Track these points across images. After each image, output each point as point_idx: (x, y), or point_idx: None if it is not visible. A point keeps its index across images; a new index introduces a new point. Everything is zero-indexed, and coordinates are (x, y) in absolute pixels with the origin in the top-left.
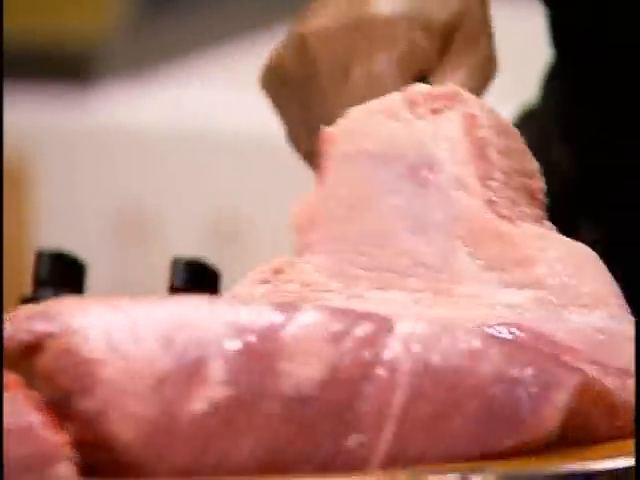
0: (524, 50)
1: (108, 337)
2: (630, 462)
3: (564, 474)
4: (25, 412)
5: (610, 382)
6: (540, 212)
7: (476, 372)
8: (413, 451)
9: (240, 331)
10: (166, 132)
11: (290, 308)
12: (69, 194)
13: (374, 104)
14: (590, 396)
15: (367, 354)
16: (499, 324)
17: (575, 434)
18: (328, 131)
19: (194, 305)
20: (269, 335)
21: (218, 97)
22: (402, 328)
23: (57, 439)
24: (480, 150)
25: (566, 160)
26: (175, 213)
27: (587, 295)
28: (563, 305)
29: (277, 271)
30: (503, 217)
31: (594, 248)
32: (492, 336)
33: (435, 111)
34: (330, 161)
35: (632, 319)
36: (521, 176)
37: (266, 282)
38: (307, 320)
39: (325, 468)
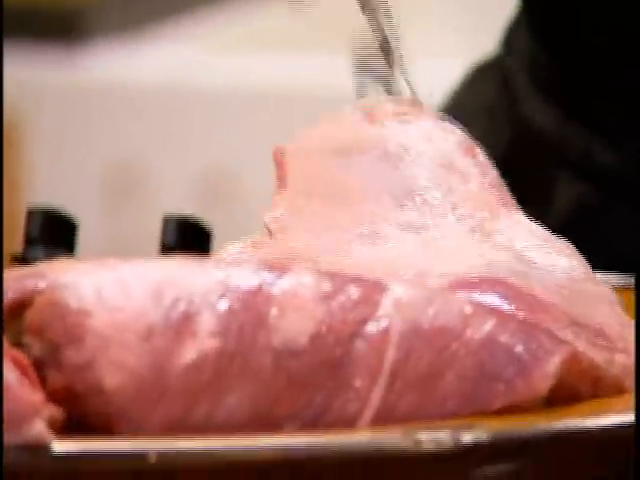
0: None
1: (97, 291)
2: (626, 419)
3: (556, 431)
4: (3, 370)
5: (598, 355)
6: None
7: (467, 336)
8: (403, 409)
9: (231, 287)
10: (157, 89)
11: (281, 268)
12: (60, 152)
13: (328, 117)
14: (577, 369)
15: (359, 312)
16: (483, 278)
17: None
18: (281, 147)
19: (184, 264)
20: (259, 291)
21: (207, 55)
22: (395, 291)
23: (34, 398)
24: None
25: (540, 112)
26: (166, 170)
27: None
28: (535, 263)
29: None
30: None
31: (577, 203)
32: (483, 303)
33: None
34: (290, 163)
35: (593, 276)
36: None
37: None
38: (298, 279)
39: (314, 424)
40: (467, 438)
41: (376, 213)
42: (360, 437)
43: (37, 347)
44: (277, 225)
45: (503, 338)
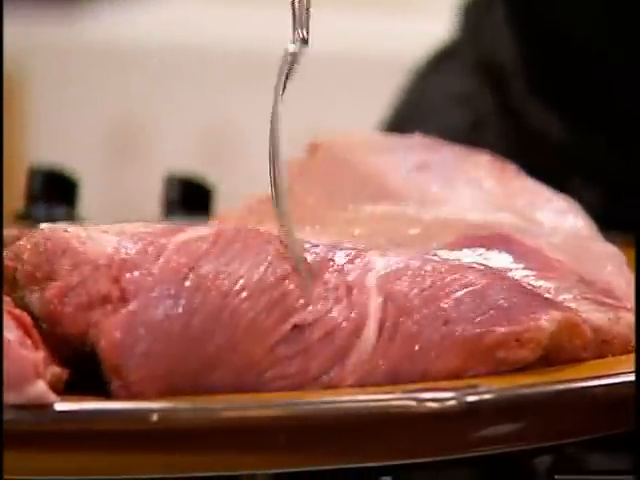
0: None
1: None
2: (625, 379)
3: (557, 391)
4: (4, 330)
5: (602, 315)
6: None
7: (459, 297)
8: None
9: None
10: (158, 48)
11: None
12: (62, 111)
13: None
14: (574, 333)
15: (343, 277)
16: (491, 235)
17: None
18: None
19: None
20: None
21: (209, 13)
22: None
23: (36, 357)
24: None
25: (545, 122)
26: (169, 128)
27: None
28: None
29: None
30: None
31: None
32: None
33: None
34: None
35: (599, 236)
36: None
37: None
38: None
39: (299, 387)
40: (471, 398)
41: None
42: (364, 396)
43: (33, 288)
44: (297, 170)
45: (498, 299)
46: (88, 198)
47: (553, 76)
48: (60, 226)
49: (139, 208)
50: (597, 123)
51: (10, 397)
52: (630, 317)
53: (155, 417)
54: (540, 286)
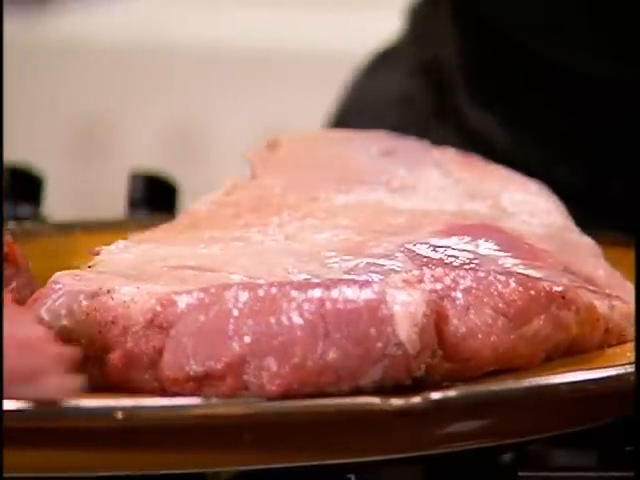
0: None
1: None
2: (591, 375)
3: (523, 388)
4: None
5: (602, 305)
6: None
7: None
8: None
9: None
10: (122, 45)
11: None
12: (27, 107)
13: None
14: (593, 319)
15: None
16: (478, 224)
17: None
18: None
19: None
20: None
21: (173, 10)
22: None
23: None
24: None
25: (485, 123)
26: (134, 126)
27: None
28: (515, 214)
29: (230, 191)
30: None
31: None
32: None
33: None
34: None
35: (574, 226)
36: None
37: (219, 200)
38: None
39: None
40: (436, 395)
41: (359, 173)
42: (329, 397)
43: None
44: (260, 166)
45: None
46: (53, 196)
47: (493, 79)
48: (103, 290)
49: (104, 205)
50: (537, 128)
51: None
52: (621, 306)
53: (120, 415)
54: (530, 275)
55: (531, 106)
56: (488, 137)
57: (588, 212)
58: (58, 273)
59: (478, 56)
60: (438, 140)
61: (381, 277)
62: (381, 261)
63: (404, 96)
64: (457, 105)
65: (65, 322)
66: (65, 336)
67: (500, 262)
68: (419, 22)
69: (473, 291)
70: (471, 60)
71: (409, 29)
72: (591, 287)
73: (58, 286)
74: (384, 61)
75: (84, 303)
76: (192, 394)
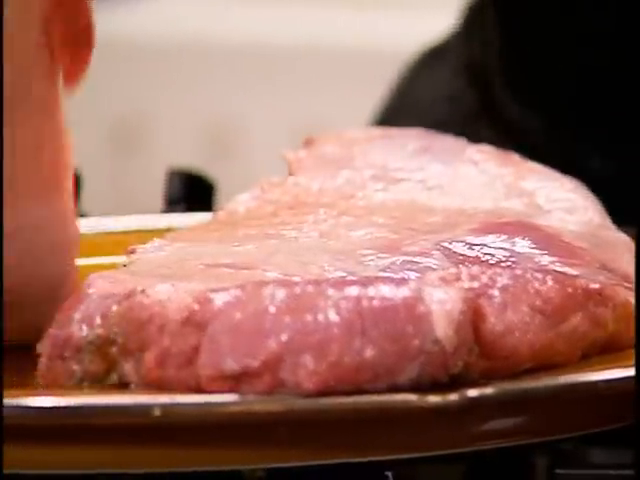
0: None
1: None
2: (626, 373)
3: (562, 385)
4: None
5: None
6: None
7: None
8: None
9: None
10: (160, 43)
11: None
12: (65, 106)
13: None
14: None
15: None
16: (509, 223)
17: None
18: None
19: None
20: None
21: (211, 7)
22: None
23: None
24: None
25: (522, 117)
26: (172, 124)
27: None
28: (551, 211)
29: (267, 190)
30: None
31: None
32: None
33: None
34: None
35: (609, 223)
36: None
37: (256, 198)
38: None
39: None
40: (472, 392)
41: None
42: (366, 394)
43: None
44: (298, 165)
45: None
46: (90, 194)
47: (533, 78)
48: (138, 290)
49: (141, 203)
50: (576, 125)
51: None
52: None
53: (157, 411)
54: (567, 272)
55: (568, 102)
56: (528, 133)
57: (621, 206)
58: (92, 275)
59: (518, 56)
60: (481, 138)
61: (417, 275)
62: (417, 259)
63: (451, 94)
64: (497, 102)
65: (100, 331)
66: (101, 340)
67: (537, 260)
68: (469, 21)
69: (510, 289)
70: (511, 60)
71: (460, 28)
72: (627, 284)
73: (92, 290)
74: (433, 59)
75: (118, 306)
76: (229, 392)
